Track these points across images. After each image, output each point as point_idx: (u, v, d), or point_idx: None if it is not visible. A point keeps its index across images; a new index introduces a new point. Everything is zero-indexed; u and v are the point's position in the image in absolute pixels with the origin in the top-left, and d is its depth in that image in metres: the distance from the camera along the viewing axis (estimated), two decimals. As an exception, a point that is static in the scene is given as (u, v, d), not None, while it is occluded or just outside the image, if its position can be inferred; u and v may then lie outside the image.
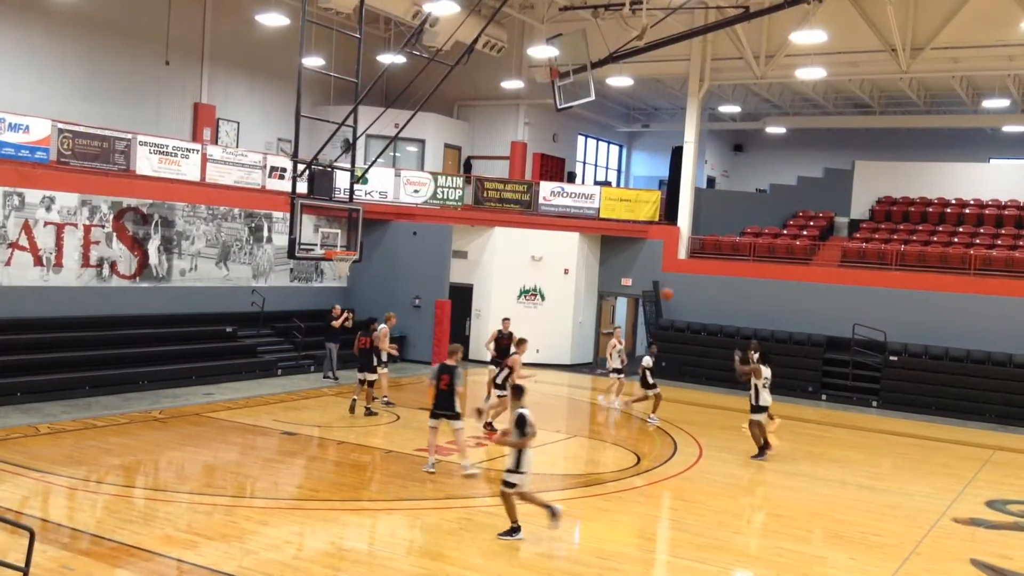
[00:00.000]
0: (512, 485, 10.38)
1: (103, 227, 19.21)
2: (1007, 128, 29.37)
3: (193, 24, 24.58)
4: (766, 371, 15.38)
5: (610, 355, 20.33)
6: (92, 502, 11.31)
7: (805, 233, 27.09)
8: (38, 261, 18.06)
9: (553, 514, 10.42)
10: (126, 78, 23.24)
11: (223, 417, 16.48)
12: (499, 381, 16.11)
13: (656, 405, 18.40)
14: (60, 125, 18.81)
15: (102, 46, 22.66)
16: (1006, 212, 26.02)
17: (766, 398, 15.37)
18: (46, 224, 18.16)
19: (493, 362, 18.64)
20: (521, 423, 10.33)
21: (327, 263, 21.51)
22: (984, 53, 22.88)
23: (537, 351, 25.36)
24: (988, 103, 26.98)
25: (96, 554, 9.26)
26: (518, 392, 10.76)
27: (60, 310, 18.37)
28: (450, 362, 12.97)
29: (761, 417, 15.47)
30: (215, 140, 25.03)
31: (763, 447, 15.38)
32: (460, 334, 25.13)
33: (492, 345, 18.84)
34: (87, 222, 18.89)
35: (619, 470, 14.30)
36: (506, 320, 19.54)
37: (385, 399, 18.20)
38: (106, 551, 9.34)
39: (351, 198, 17.08)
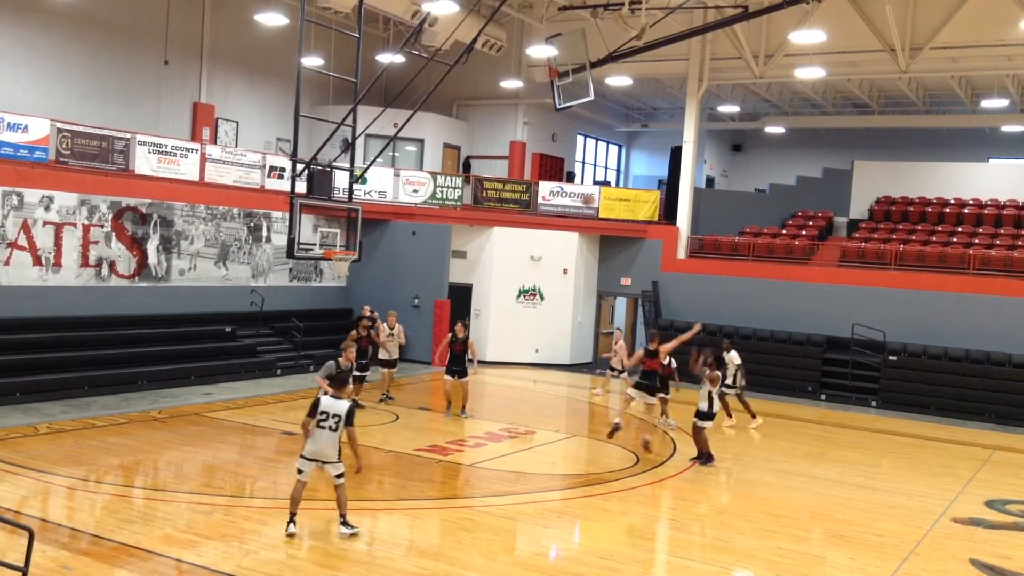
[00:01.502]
0: (299, 471, 10.17)
1: (102, 227, 19.19)
2: (1006, 128, 29.41)
3: (192, 24, 24.57)
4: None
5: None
6: (91, 502, 11.30)
7: (804, 233, 27.10)
8: (37, 261, 18.05)
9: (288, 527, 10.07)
10: (125, 78, 23.23)
11: (222, 417, 16.48)
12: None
13: (663, 409, 18.01)
14: (59, 125, 18.80)
15: (101, 45, 22.64)
16: (1005, 212, 26.03)
17: (716, 405, 14.84)
18: (45, 224, 18.14)
19: (449, 371, 17.41)
20: (312, 408, 10.18)
21: (326, 263, 21.49)
22: (983, 53, 22.91)
23: (536, 351, 25.47)
24: (987, 103, 26.98)
25: (95, 554, 9.26)
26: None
27: (59, 310, 18.36)
28: (342, 360, 13.13)
29: (708, 425, 14.76)
30: (214, 140, 25.02)
31: (709, 454, 14.69)
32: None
33: (445, 354, 17.46)
34: (86, 222, 18.88)
35: (619, 470, 14.29)
36: (460, 324, 17.81)
37: (385, 395, 18.31)
38: (105, 551, 9.33)
39: (350, 198, 17.07)
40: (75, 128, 19.14)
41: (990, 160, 30.98)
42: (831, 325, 23.06)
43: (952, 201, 27.14)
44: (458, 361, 17.41)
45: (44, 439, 13.96)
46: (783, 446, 16.94)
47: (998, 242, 24.40)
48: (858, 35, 23.50)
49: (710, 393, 14.62)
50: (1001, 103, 26.63)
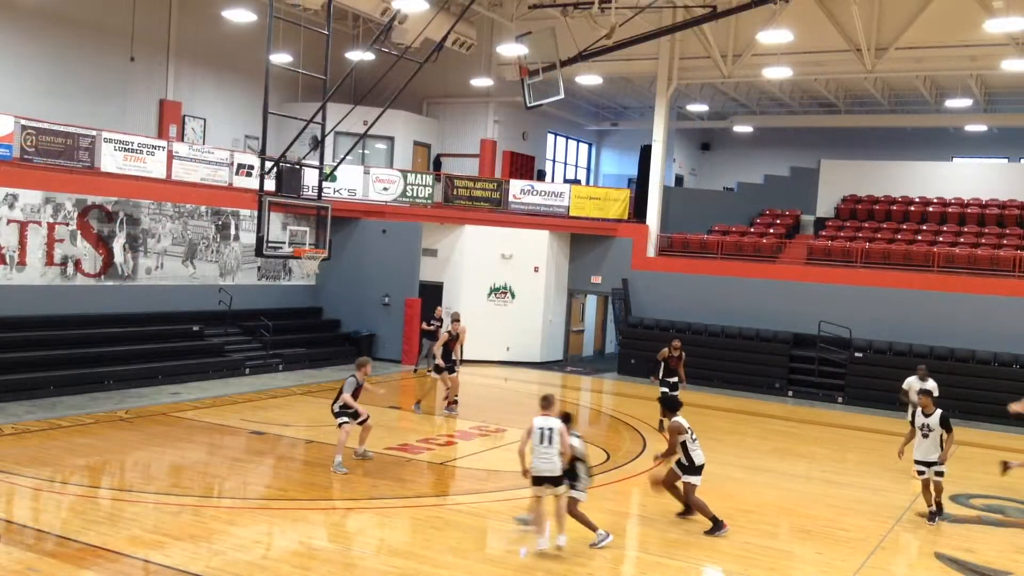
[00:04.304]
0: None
1: (67, 225, 18.96)
2: (969, 127, 29.83)
3: (159, 20, 24.31)
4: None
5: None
6: (57, 503, 11.18)
7: (772, 231, 27.34)
8: (1, 260, 17.79)
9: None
10: (90, 74, 22.95)
11: (190, 416, 16.34)
12: None
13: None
14: (23, 121, 18.51)
15: (67, 42, 22.35)
16: (969, 210, 26.41)
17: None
18: (9, 222, 17.89)
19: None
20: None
21: (295, 261, 21.40)
22: (947, 53, 23.21)
23: (507, 349, 25.48)
24: (951, 103, 27.36)
25: (62, 555, 9.16)
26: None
27: (24, 309, 18.10)
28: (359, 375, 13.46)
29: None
30: (181, 137, 24.79)
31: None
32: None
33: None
34: (51, 220, 18.64)
35: (589, 467, 14.31)
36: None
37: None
38: (72, 552, 9.24)
39: (319, 196, 17.02)
40: (40, 125, 18.86)
41: (954, 159, 31.42)
42: (798, 322, 23.31)
43: (917, 200, 27.50)
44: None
45: (8, 440, 13.78)
46: (751, 442, 17.09)
47: (962, 240, 24.76)
48: (825, 35, 23.77)
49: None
50: (965, 103, 27.02)
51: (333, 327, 24.95)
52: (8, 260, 17.91)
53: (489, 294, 25.58)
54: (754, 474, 14.52)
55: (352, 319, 24.71)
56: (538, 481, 10.14)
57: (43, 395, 16.76)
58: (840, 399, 22.34)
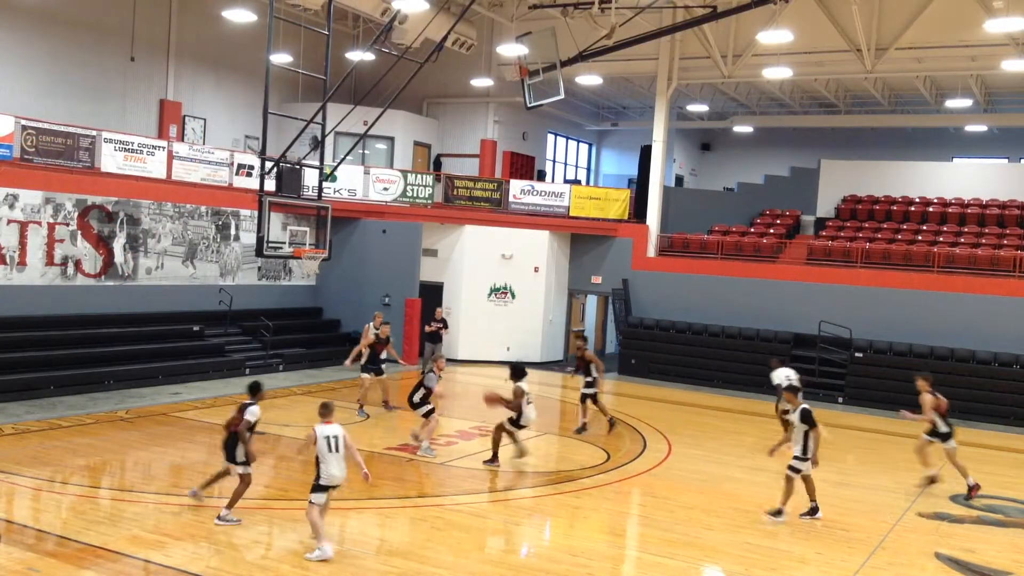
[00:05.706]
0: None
1: (68, 225, 18.96)
2: (969, 127, 29.83)
3: (159, 20, 24.33)
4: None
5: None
6: (58, 503, 11.18)
7: (772, 231, 27.34)
8: (1, 260, 17.79)
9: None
10: (91, 74, 22.96)
11: (191, 416, 16.35)
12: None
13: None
14: (24, 121, 18.51)
15: (67, 42, 22.37)
16: (969, 210, 26.41)
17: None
18: (9, 222, 17.89)
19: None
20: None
21: (295, 261, 21.40)
22: (947, 53, 23.22)
23: (508, 349, 25.48)
24: (951, 103, 27.36)
25: (62, 555, 9.17)
26: None
27: (24, 309, 18.11)
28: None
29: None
30: (181, 137, 24.80)
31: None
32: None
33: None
34: (51, 220, 18.64)
35: (589, 467, 14.36)
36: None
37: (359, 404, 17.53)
38: (72, 552, 9.24)
39: (320, 196, 17.02)
40: (40, 125, 18.86)
41: (954, 159, 31.42)
42: (798, 322, 23.31)
43: (917, 200, 27.51)
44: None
45: (9, 440, 13.78)
46: (751, 442, 17.08)
47: (962, 240, 24.76)
48: (825, 35, 23.79)
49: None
50: (965, 103, 27.02)
51: (333, 327, 24.96)
52: (8, 260, 17.92)
53: (489, 294, 25.60)
54: (754, 474, 14.51)
55: (352, 319, 24.67)
56: (329, 488, 9.92)
57: (43, 395, 16.77)
58: (840, 399, 22.33)
